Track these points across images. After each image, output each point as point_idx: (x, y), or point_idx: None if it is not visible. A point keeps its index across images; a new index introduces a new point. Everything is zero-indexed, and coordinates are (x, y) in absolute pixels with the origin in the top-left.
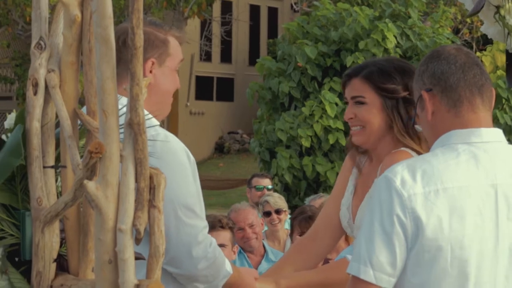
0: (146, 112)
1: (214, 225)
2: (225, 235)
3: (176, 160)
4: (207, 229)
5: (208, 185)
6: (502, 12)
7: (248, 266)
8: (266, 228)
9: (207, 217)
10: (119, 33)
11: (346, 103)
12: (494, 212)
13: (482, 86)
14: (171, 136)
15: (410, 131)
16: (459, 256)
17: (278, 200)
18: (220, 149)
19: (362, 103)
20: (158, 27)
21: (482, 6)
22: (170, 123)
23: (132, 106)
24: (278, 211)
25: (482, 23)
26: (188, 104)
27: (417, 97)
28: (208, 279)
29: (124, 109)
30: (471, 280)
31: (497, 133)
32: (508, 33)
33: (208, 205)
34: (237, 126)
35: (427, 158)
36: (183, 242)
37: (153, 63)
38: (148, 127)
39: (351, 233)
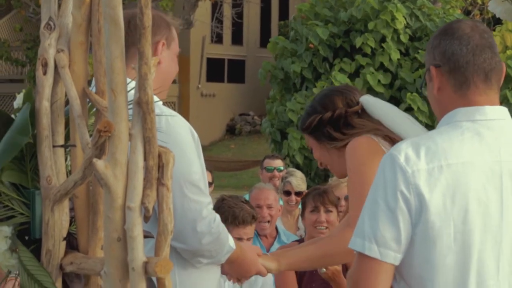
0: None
1: (247, 220)
2: (253, 228)
3: (181, 137)
4: (211, 205)
5: (219, 167)
6: None
7: (259, 247)
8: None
9: (235, 207)
10: (128, 17)
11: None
12: (498, 189)
13: (491, 70)
14: (175, 114)
15: (343, 130)
16: (461, 231)
17: (300, 183)
18: (231, 130)
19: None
20: (160, 11)
21: None
22: (182, 105)
23: (141, 85)
24: (298, 193)
25: None
26: (200, 86)
27: (427, 66)
28: (212, 254)
29: (132, 90)
30: (474, 256)
31: (502, 111)
32: None
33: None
34: (248, 108)
35: (431, 136)
36: (188, 217)
37: (163, 45)
38: (156, 101)
39: None
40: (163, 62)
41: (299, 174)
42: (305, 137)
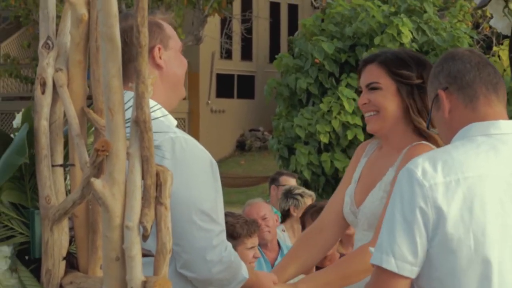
0: (165, 111)
1: (255, 230)
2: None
3: (196, 164)
4: (223, 234)
5: (229, 183)
6: (511, 5)
7: (264, 261)
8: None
9: (244, 222)
10: (122, 31)
11: (360, 91)
12: None
13: (496, 84)
14: (190, 139)
15: (425, 117)
16: (482, 243)
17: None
18: (241, 146)
19: (377, 88)
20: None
21: (490, 0)
22: (191, 121)
23: (138, 104)
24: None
25: None
26: (209, 102)
27: (432, 98)
28: (223, 283)
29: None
30: (495, 267)
31: None
32: None
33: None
34: (258, 124)
35: (447, 150)
36: (198, 246)
37: (159, 49)
38: (162, 131)
39: (353, 220)
40: (164, 65)
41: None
42: None
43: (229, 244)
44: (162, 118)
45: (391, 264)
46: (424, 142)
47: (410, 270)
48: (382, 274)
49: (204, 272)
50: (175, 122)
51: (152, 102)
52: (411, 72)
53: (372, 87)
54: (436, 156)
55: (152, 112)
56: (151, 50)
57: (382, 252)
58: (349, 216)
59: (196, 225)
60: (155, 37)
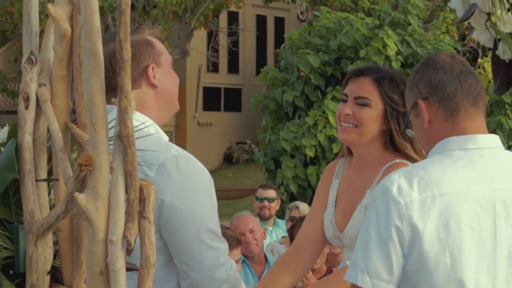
0: (158, 128)
1: (232, 244)
2: (238, 251)
3: (199, 182)
4: (228, 251)
5: (217, 196)
6: (493, 19)
7: (251, 275)
8: (286, 235)
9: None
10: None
11: (343, 100)
12: (492, 217)
13: (477, 95)
14: (192, 157)
15: (407, 138)
16: (459, 260)
17: (306, 210)
18: (228, 159)
19: (365, 105)
20: (134, 32)
21: (473, 13)
22: (179, 134)
23: (121, 119)
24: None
25: None
26: (196, 115)
27: (411, 104)
28: None
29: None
30: (471, 285)
31: (494, 139)
32: (499, 40)
33: None
34: (245, 137)
35: (423, 165)
36: (207, 265)
37: (153, 68)
38: (161, 147)
39: (339, 243)
40: (159, 84)
41: (305, 205)
42: None
43: (234, 262)
44: (157, 135)
45: (366, 283)
46: (402, 160)
47: None
48: None
49: None
50: (166, 138)
51: (144, 118)
52: (400, 99)
53: (360, 102)
54: (412, 172)
55: (146, 128)
56: (145, 70)
57: (357, 270)
58: (333, 240)
59: (205, 243)
60: (148, 57)
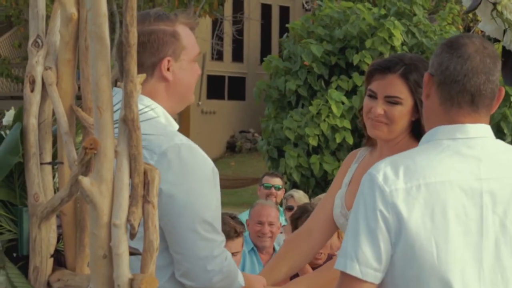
0: (169, 117)
1: (230, 234)
2: (239, 242)
3: (200, 172)
4: (223, 243)
5: (220, 184)
6: (499, 8)
7: (258, 265)
8: (285, 223)
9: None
10: (144, 34)
11: (370, 96)
12: (478, 207)
13: (479, 95)
14: (195, 147)
15: None
16: (444, 250)
17: (302, 198)
18: (231, 148)
19: (397, 103)
20: (165, 19)
21: (480, 3)
22: (182, 122)
23: (126, 103)
24: None
25: None
26: (200, 103)
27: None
28: None
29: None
30: (457, 275)
31: (483, 129)
32: (506, 29)
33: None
34: (248, 125)
35: (411, 154)
36: (199, 256)
37: (169, 61)
38: (159, 130)
39: (343, 222)
40: (171, 78)
41: (301, 191)
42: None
43: (229, 254)
44: (163, 120)
45: (355, 270)
46: None
47: (374, 276)
48: (346, 279)
49: (205, 281)
50: (177, 126)
51: (149, 101)
52: None
53: (392, 101)
54: (399, 161)
55: (150, 111)
56: (159, 61)
57: (347, 257)
58: (339, 218)
59: (199, 234)
60: (167, 48)
